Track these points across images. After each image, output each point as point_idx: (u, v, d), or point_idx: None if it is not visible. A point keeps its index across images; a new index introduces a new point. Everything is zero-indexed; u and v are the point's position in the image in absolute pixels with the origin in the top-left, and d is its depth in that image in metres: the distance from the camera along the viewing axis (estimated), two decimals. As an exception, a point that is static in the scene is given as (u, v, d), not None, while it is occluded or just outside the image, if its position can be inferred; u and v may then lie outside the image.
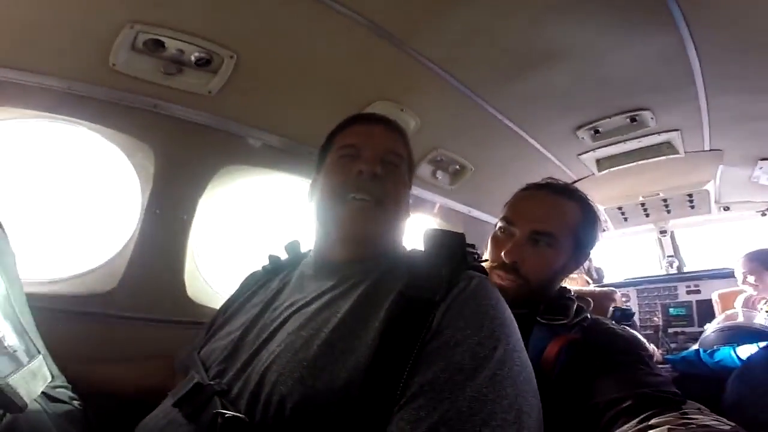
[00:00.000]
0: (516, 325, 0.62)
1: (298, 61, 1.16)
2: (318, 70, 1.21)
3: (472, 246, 0.74)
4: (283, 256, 0.95)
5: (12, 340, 0.67)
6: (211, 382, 0.63)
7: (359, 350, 0.57)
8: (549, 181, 1.02)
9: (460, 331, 0.56)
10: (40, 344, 0.75)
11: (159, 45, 1.03)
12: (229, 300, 0.93)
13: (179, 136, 1.22)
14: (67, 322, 1.10)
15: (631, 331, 0.98)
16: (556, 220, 0.93)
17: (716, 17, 1.01)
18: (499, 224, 0.98)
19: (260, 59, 1.13)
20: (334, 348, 0.58)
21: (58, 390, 0.76)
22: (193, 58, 1.08)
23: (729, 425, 0.64)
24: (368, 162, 0.76)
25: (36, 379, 0.68)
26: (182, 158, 1.24)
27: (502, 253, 0.91)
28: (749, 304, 1.95)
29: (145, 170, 1.22)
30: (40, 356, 0.72)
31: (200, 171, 1.28)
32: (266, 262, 0.95)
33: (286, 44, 1.11)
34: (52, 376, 0.75)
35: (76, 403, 0.79)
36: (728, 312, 1.97)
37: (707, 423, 0.64)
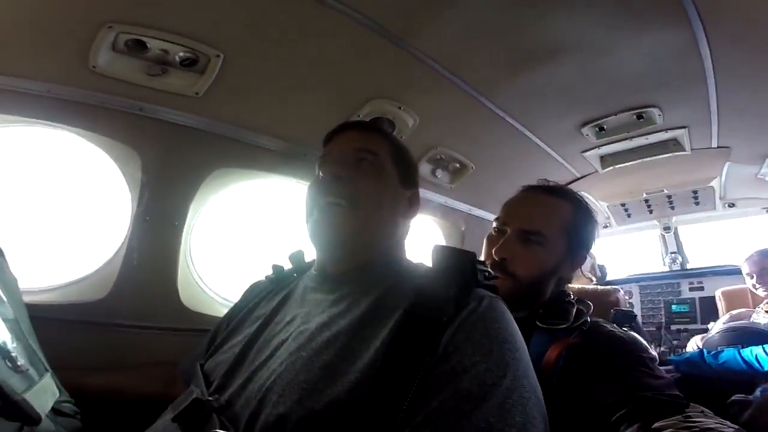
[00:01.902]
0: (525, 346, 0.60)
1: (290, 58, 1.11)
2: (311, 68, 1.16)
3: (483, 263, 0.71)
4: (287, 265, 0.93)
5: (24, 360, 0.71)
6: (210, 398, 0.62)
7: (361, 372, 0.55)
8: (542, 182, 1.02)
9: (468, 357, 0.54)
10: (45, 361, 0.79)
11: (141, 45, 0.98)
12: (232, 311, 0.91)
13: (167, 139, 1.17)
14: (59, 330, 1.07)
15: (632, 333, 0.96)
16: (545, 218, 0.93)
17: (731, 12, 0.97)
18: (494, 225, 0.99)
19: (249, 58, 1.08)
20: (335, 370, 0.56)
21: (64, 405, 0.79)
22: (177, 59, 1.02)
23: (733, 428, 0.63)
24: (331, 164, 0.77)
25: (47, 394, 0.73)
26: (171, 162, 1.20)
27: (492, 251, 0.92)
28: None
29: (133, 175, 1.18)
30: (48, 374, 0.76)
31: (190, 175, 1.24)
32: (269, 270, 0.93)
33: (276, 41, 1.05)
34: (60, 392, 0.78)
35: (79, 417, 0.82)
36: (733, 312, 1.93)
37: (711, 427, 0.63)
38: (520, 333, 0.61)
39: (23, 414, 0.62)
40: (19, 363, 0.68)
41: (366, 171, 0.76)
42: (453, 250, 0.70)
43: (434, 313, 0.58)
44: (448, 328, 0.57)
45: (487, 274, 0.70)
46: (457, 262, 0.67)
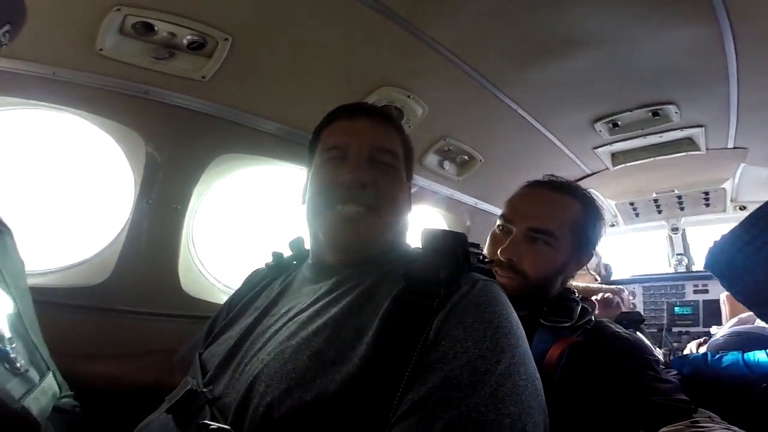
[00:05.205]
0: (523, 333, 0.58)
1: (298, 43, 1.08)
2: (319, 53, 1.13)
3: (476, 246, 0.69)
4: (287, 252, 0.91)
5: (24, 360, 0.66)
6: (204, 390, 0.61)
7: (351, 361, 0.53)
8: (549, 177, 0.99)
9: (460, 342, 0.51)
10: (47, 357, 0.74)
11: (149, 28, 0.96)
12: (232, 299, 0.90)
13: (172, 123, 1.15)
14: (57, 314, 1.07)
15: (638, 334, 0.95)
16: (553, 217, 0.91)
17: (761, 10, 0.92)
18: (498, 222, 0.97)
19: (257, 42, 1.05)
20: (325, 359, 0.55)
21: (63, 401, 0.75)
22: (185, 42, 1.00)
23: None
24: (354, 168, 0.70)
25: (47, 397, 0.69)
26: (175, 146, 1.19)
27: (498, 251, 0.90)
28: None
29: (137, 159, 1.17)
30: (50, 373, 0.72)
31: (194, 160, 1.22)
32: (269, 257, 0.91)
33: (285, 25, 1.03)
34: (60, 388, 0.74)
35: (79, 410, 0.78)
36: (742, 315, 1.91)
37: None
38: (517, 318, 0.58)
39: (22, 422, 0.58)
40: (18, 364, 0.63)
41: (387, 174, 0.74)
42: (442, 232, 0.67)
43: (425, 298, 0.56)
44: (439, 313, 0.55)
45: (481, 257, 0.68)
46: (447, 245, 0.64)
